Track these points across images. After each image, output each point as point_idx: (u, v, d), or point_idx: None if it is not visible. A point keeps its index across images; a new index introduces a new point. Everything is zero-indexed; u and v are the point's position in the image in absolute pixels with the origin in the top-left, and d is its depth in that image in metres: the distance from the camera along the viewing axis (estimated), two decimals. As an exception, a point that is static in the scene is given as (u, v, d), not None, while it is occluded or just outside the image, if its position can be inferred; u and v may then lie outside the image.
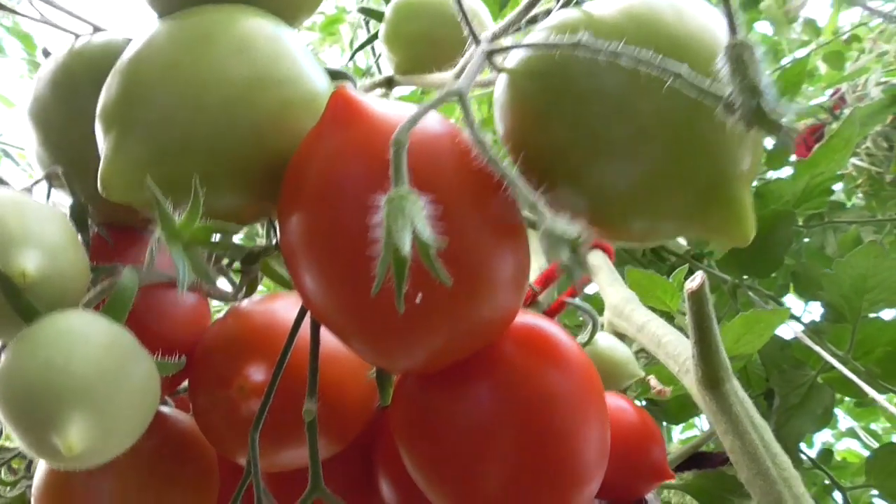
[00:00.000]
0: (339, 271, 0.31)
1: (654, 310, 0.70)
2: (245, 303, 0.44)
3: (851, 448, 2.03)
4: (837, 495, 1.02)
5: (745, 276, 1.10)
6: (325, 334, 0.41)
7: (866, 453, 1.51)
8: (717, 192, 0.29)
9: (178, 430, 0.47)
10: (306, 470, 0.38)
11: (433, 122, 0.32)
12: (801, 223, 1.37)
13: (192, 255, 0.27)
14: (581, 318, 0.58)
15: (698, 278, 0.48)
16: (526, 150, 0.32)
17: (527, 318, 0.37)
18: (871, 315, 0.96)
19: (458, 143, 0.32)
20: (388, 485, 0.47)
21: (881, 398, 0.85)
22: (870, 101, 1.40)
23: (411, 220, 0.20)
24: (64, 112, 0.41)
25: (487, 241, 0.32)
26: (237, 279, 0.46)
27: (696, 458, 0.71)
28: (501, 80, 0.34)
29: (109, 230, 0.43)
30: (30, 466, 0.56)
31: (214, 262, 0.46)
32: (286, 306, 0.43)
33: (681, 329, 0.65)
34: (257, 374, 0.38)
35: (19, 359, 0.25)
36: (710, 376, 0.49)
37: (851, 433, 2.10)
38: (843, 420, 2.18)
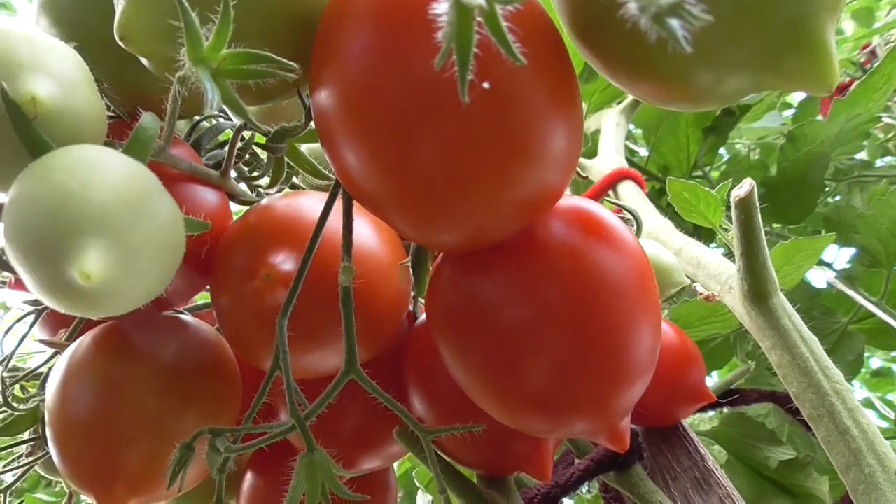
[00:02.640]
0: (381, 131, 0.28)
1: (695, 227, 0.68)
2: (266, 200, 0.42)
3: (870, 420, 2.01)
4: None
5: (775, 224, 1.07)
6: (357, 235, 0.39)
7: (883, 424, 1.49)
8: (799, 29, 0.25)
9: (200, 338, 0.45)
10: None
11: None
12: (828, 176, 1.34)
13: (220, 82, 0.25)
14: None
15: (746, 185, 0.45)
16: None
17: (574, 199, 0.35)
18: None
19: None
20: (419, 398, 0.45)
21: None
22: (903, 52, 1.35)
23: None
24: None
25: (541, 103, 0.29)
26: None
27: (728, 396, 0.69)
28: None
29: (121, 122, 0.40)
30: (44, 384, 0.54)
31: (235, 161, 0.44)
32: (310, 201, 0.40)
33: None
34: (285, 262, 0.36)
35: (31, 185, 0.23)
36: (757, 289, 0.47)
37: (868, 403, 2.08)
38: (859, 391, 2.17)
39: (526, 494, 0.50)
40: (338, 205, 0.36)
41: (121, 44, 0.29)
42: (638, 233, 0.48)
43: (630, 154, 1.29)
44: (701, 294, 0.48)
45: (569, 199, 0.34)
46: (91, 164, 0.23)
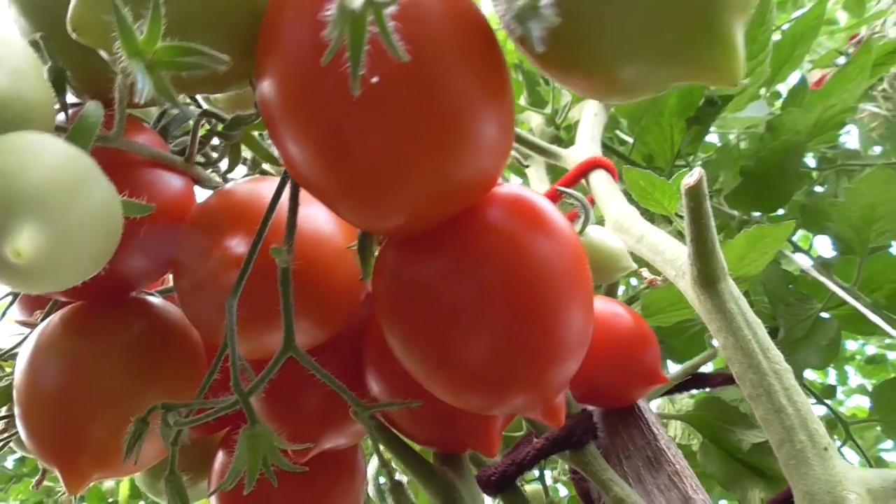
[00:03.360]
0: (318, 120, 0.30)
1: (652, 214, 0.69)
2: (229, 185, 0.43)
3: (861, 405, 2.03)
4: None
5: (753, 212, 1.08)
6: (311, 217, 0.41)
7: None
8: (707, 25, 0.27)
9: (163, 318, 0.46)
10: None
11: None
12: (813, 166, 1.35)
13: (154, 74, 0.26)
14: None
15: (696, 174, 0.47)
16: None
17: (512, 186, 0.36)
18: (880, 249, 0.95)
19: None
20: (375, 377, 0.46)
21: (888, 327, 0.84)
22: (887, 41, 1.36)
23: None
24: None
25: (472, 93, 0.30)
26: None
27: (694, 379, 0.70)
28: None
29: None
30: (19, 363, 0.56)
31: (200, 147, 0.45)
32: (270, 186, 0.42)
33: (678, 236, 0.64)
34: (238, 245, 0.38)
35: (-28, 168, 0.25)
36: (706, 274, 0.48)
37: (862, 390, 2.10)
38: (854, 377, 2.18)
39: (484, 472, 0.52)
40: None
41: (73, 35, 0.30)
42: (586, 221, 0.50)
43: (619, 143, 1.31)
44: (646, 278, 0.50)
45: (506, 187, 0.36)
46: (30, 148, 0.25)
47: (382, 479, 0.75)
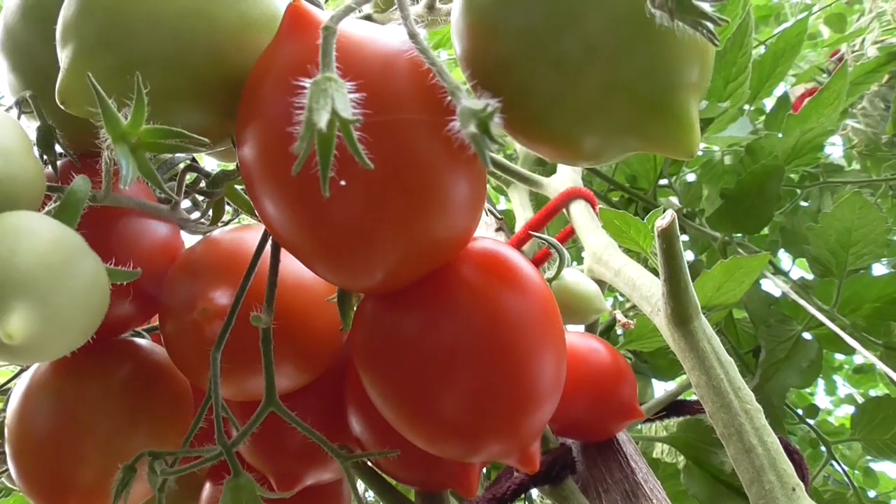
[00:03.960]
0: (294, 188, 0.31)
1: (628, 252, 0.71)
2: (216, 232, 0.44)
3: (851, 415, 2.04)
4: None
5: (735, 234, 1.10)
6: (293, 264, 0.42)
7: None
8: (662, 102, 0.28)
9: (150, 361, 0.47)
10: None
11: (397, 43, 0.32)
12: (796, 182, 1.37)
13: (138, 155, 0.27)
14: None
15: (668, 216, 0.48)
16: (479, 65, 0.32)
17: (486, 242, 0.38)
18: (857, 271, 0.97)
19: (420, 67, 0.32)
20: (357, 420, 0.48)
21: (865, 351, 0.85)
22: (867, 60, 1.38)
23: (332, 99, 0.20)
24: (33, 37, 0.41)
25: (441, 159, 0.32)
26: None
27: (674, 406, 0.72)
28: (457, 2, 0.34)
29: (81, 160, 0.43)
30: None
31: (185, 191, 0.46)
32: (255, 236, 0.43)
33: (655, 272, 0.65)
34: (221, 297, 0.39)
35: (-37, 252, 0.26)
36: (679, 314, 0.49)
37: (850, 400, 2.11)
38: (843, 387, 2.19)
39: (466, 506, 0.53)
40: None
41: (61, 106, 0.32)
42: (561, 265, 0.51)
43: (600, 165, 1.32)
44: (620, 321, 0.51)
45: (480, 242, 0.37)
46: (19, 231, 0.26)
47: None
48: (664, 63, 0.28)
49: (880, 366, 0.81)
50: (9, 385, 0.59)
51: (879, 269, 1.10)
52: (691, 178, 1.35)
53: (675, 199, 1.27)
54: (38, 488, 0.43)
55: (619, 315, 0.51)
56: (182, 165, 0.50)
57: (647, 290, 0.57)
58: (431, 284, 0.35)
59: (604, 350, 0.56)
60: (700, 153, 1.49)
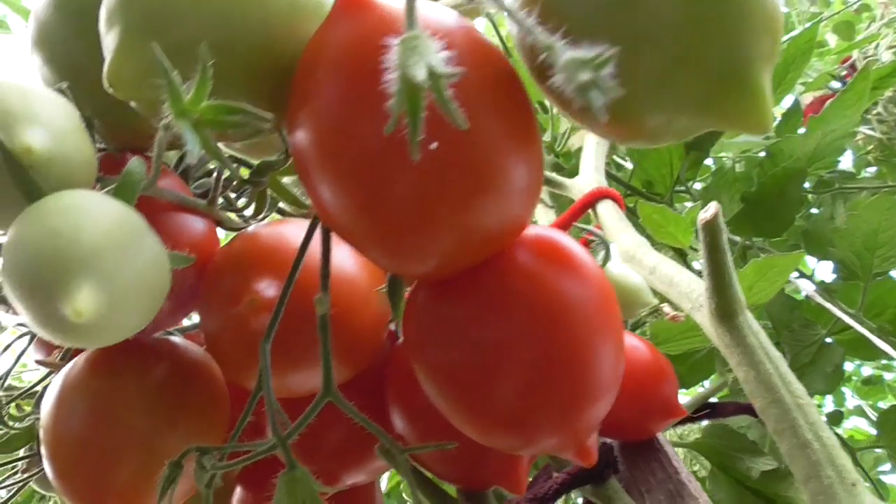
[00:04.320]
0: (353, 169, 0.30)
1: (666, 247, 0.70)
2: (252, 227, 0.44)
3: (859, 427, 2.03)
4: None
5: (755, 237, 1.09)
6: (335, 258, 0.41)
7: (874, 431, 1.51)
8: (735, 76, 0.28)
9: (187, 359, 0.46)
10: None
11: (452, 19, 0.31)
12: (810, 188, 1.37)
13: (200, 132, 0.26)
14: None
15: (712, 208, 0.47)
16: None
17: (540, 229, 0.37)
18: (883, 274, 0.96)
19: (478, 42, 0.32)
20: (399, 416, 0.47)
21: (894, 353, 0.84)
22: (881, 66, 1.38)
23: (425, 55, 0.19)
24: (68, 29, 0.40)
25: (502, 141, 0.31)
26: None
27: (707, 409, 0.71)
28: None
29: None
30: (38, 402, 0.56)
31: (222, 190, 0.46)
32: (293, 229, 0.42)
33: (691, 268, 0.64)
34: (268, 288, 0.38)
35: (26, 229, 0.25)
36: (724, 309, 0.48)
37: (859, 411, 2.10)
38: (851, 399, 2.18)
39: (505, 507, 0.52)
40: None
41: (109, 90, 0.31)
42: (607, 256, 0.50)
43: (617, 168, 1.31)
44: (668, 314, 0.50)
45: (534, 229, 0.37)
46: (82, 208, 0.25)
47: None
48: (737, 34, 0.28)
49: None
50: (35, 388, 0.58)
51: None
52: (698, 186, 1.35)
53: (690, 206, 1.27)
54: (75, 489, 0.42)
55: (667, 308, 0.50)
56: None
57: (686, 286, 0.56)
58: (487, 271, 0.34)
59: (644, 348, 0.55)
60: (709, 161, 1.49)
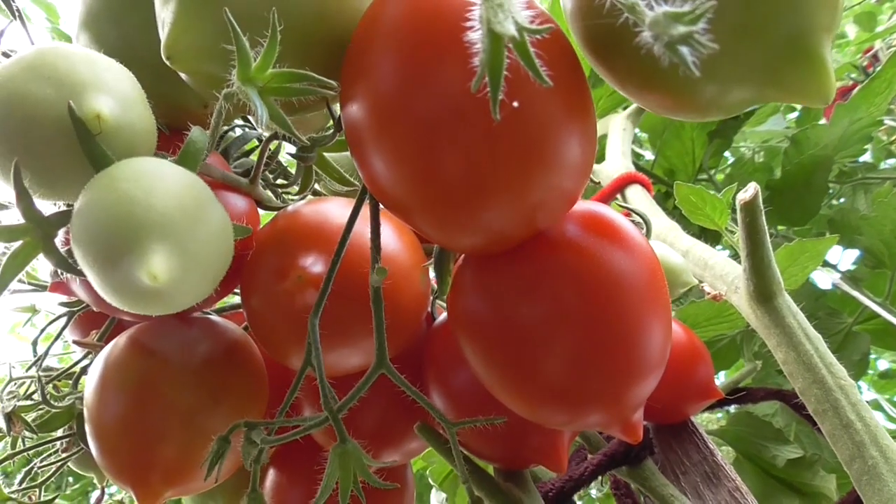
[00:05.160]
0: (408, 140, 0.30)
1: (701, 230, 0.70)
2: (292, 206, 0.44)
3: (877, 421, 2.02)
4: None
5: (780, 226, 1.09)
6: (381, 239, 0.41)
7: (891, 426, 1.50)
8: (798, 45, 0.28)
9: (229, 337, 0.47)
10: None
11: None
12: (832, 179, 1.36)
13: (266, 99, 0.27)
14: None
15: (751, 189, 0.47)
16: (594, 10, 0.31)
17: (589, 204, 0.37)
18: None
19: (537, 10, 0.32)
20: (439, 395, 0.47)
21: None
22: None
23: (512, 11, 0.19)
24: (117, 5, 0.41)
25: (558, 113, 0.31)
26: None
27: (737, 394, 0.70)
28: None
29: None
30: (76, 383, 0.56)
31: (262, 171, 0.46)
32: (335, 206, 0.42)
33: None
34: (315, 264, 0.38)
35: (99, 194, 0.25)
36: (763, 290, 0.48)
37: (875, 405, 2.09)
38: (867, 393, 2.18)
39: (541, 489, 0.52)
40: (364, 211, 0.38)
41: (167, 62, 0.31)
42: (647, 235, 0.50)
43: (636, 158, 1.31)
44: (708, 294, 0.50)
45: (583, 204, 0.36)
46: (152, 174, 0.26)
47: None
48: (801, 4, 0.27)
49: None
50: (73, 369, 0.58)
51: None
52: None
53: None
54: (120, 467, 0.43)
55: (707, 287, 0.50)
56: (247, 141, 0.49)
57: (721, 268, 0.56)
58: (536, 244, 0.34)
59: (680, 330, 0.54)
60: (727, 154, 1.48)
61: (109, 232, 0.24)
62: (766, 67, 0.28)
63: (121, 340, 0.45)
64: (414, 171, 0.31)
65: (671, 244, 0.62)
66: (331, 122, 0.41)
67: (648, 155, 1.31)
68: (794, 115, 1.45)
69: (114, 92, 0.28)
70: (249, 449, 0.36)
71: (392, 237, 0.43)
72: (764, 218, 0.47)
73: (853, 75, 1.61)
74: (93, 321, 0.56)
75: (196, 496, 0.64)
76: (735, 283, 0.53)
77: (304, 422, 0.35)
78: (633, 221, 0.51)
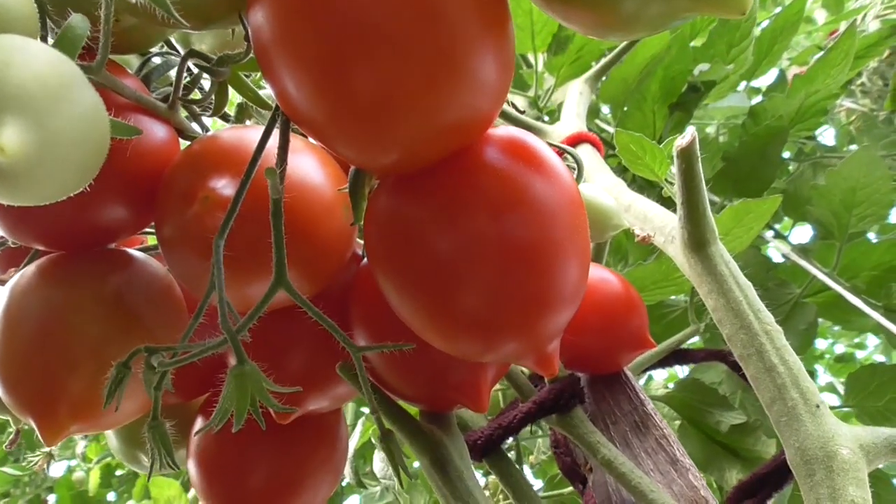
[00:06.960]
0: (315, 56, 0.29)
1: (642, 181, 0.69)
2: (212, 131, 0.42)
3: (829, 403, 2.06)
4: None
5: (735, 197, 1.09)
6: (299, 168, 0.40)
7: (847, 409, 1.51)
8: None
9: (147, 272, 0.45)
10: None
11: None
12: (790, 156, 1.36)
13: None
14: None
15: (688, 134, 0.46)
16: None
17: (510, 128, 0.36)
18: (859, 235, 0.96)
19: None
20: (363, 336, 0.46)
21: (868, 310, 0.84)
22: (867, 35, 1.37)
23: None
24: None
25: (472, 27, 0.30)
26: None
27: (677, 354, 0.70)
28: None
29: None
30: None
31: (183, 97, 0.44)
32: (254, 132, 0.41)
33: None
34: (225, 187, 0.37)
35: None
36: (697, 238, 0.48)
37: (830, 387, 2.13)
38: (823, 375, 2.22)
39: (470, 437, 0.51)
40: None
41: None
42: (579, 177, 0.49)
43: (599, 131, 1.30)
44: (638, 236, 0.49)
45: (503, 129, 0.35)
46: (14, 47, 0.24)
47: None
48: None
49: (885, 323, 0.80)
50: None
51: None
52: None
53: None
54: (25, 398, 0.41)
55: (637, 230, 0.50)
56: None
57: (661, 220, 0.55)
58: (452, 168, 0.33)
59: (614, 279, 0.54)
60: (693, 128, 1.48)
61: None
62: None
63: (28, 270, 0.43)
64: (322, 86, 0.30)
65: (615, 199, 0.61)
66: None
67: (611, 129, 1.30)
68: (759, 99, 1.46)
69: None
70: (150, 375, 0.34)
71: (314, 167, 0.41)
72: (700, 165, 0.47)
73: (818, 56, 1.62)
74: (15, 258, 0.54)
75: (124, 443, 0.62)
76: (671, 233, 0.53)
77: (204, 345, 0.34)
78: (567, 165, 0.50)
